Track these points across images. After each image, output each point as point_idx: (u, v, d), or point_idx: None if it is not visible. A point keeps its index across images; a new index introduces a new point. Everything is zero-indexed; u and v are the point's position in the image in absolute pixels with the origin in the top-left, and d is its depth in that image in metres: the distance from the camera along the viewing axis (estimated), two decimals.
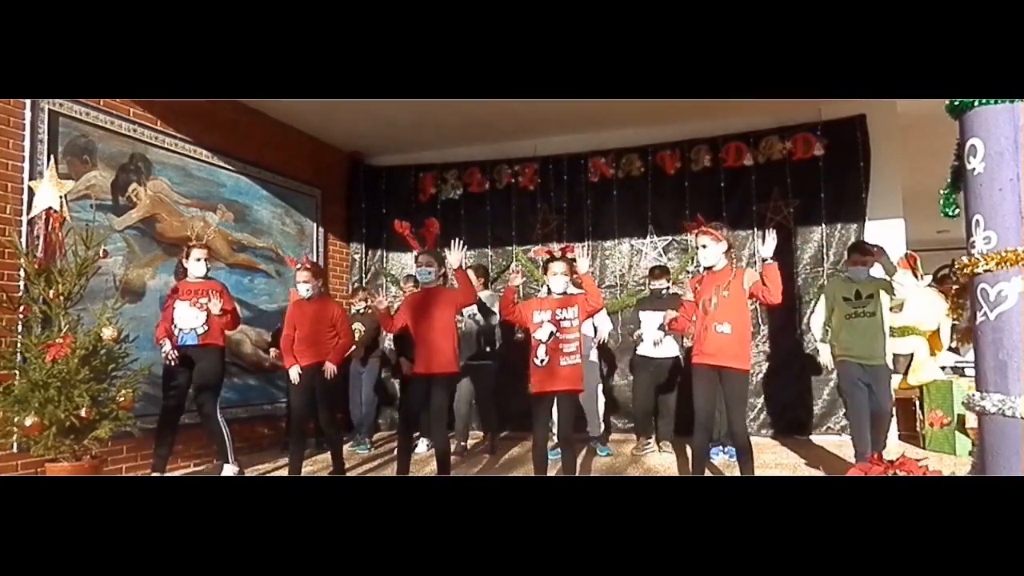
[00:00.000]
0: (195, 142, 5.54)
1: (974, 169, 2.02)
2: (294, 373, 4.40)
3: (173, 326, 4.42)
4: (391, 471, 4.97)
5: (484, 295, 5.43)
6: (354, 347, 5.64)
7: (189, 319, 4.42)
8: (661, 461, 5.12)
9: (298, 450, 4.44)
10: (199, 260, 4.52)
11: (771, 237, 3.62)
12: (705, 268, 3.82)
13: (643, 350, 5.33)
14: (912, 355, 5.83)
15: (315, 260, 6.43)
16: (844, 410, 5.55)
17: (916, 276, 5.70)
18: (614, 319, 6.25)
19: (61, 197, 4.23)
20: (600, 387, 5.54)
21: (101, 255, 4.30)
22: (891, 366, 4.81)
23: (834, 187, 6.12)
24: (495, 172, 7.14)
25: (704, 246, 3.74)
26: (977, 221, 2.02)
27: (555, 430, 4.52)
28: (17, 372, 3.95)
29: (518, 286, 3.89)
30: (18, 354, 4.02)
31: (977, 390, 2.06)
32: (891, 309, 5.12)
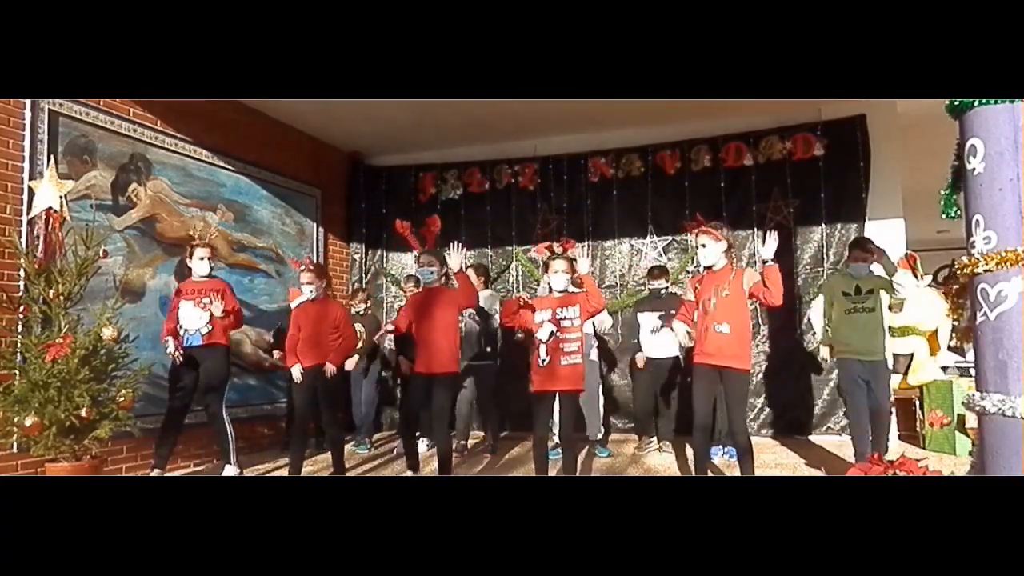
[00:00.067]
0: (195, 142, 5.54)
1: (974, 169, 2.02)
2: (296, 372, 4.41)
3: (179, 326, 4.44)
4: (391, 471, 4.98)
5: (484, 295, 5.43)
6: (357, 358, 5.65)
7: (193, 319, 4.44)
8: (661, 461, 5.11)
9: (299, 450, 4.44)
10: (203, 259, 4.53)
11: (772, 239, 3.61)
12: (705, 268, 3.82)
13: (643, 351, 5.33)
14: (912, 355, 5.84)
15: (315, 260, 6.43)
16: (844, 409, 5.56)
17: (916, 276, 5.70)
18: (614, 319, 6.25)
19: (61, 197, 4.23)
20: (600, 388, 5.53)
21: (101, 255, 4.30)
22: (891, 366, 4.81)
23: (834, 187, 6.11)
24: (495, 172, 7.13)
25: (704, 245, 3.74)
26: (977, 221, 2.02)
27: (555, 430, 4.52)
28: (17, 372, 3.95)
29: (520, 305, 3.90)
30: (18, 354, 4.01)
31: (977, 390, 2.07)
32: (891, 309, 5.12)
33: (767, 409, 6.21)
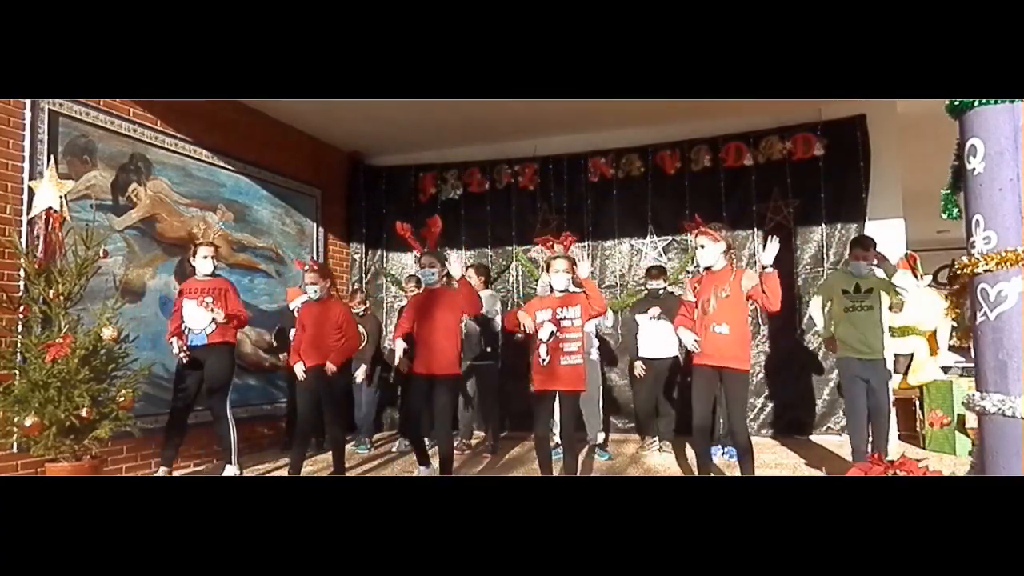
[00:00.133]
0: (195, 142, 5.54)
1: (974, 169, 2.02)
2: (299, 369, 4.41)
3: (183, 325, 4.45)
4: (391, 471, 4.98)
5: (484, 295, 5.43)
6: (365, 367, 5.65)
7: (196, 319, 4.44)
8: (661, 461, 5.12)
9: (300, 451, 4.45)
10: (207, 258, 4.53)
11: (772, 244, 3.58)
12: (704, 268, 3.82)
13: (643, 352, 5.34)
14: (912, 355, 5.84)
15: (315, 260, 6.43)
16: (844, 408, 5.55)
17: (916, 276, 5.70)
18: (614, 319, 6.25)
19: (61, 197, 4.23)
20: (600, 389, 5.53)
21: (101, 255, 4.30)
22: (891, 366, 4.81)
23: (834, 187, 6.11)
24: (495, 172, 7.13)
25: (702, 246, 3.74)
26: (977, 221, 2.02)
27: (556, 430, 4.52)
28: (17, 372, 3.95)
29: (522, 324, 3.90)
30: (18, 354, 4.01)
31: (977, 390, 2.06)
32: (891, 309, 5.12)
33: (767, 409, 6.21)
